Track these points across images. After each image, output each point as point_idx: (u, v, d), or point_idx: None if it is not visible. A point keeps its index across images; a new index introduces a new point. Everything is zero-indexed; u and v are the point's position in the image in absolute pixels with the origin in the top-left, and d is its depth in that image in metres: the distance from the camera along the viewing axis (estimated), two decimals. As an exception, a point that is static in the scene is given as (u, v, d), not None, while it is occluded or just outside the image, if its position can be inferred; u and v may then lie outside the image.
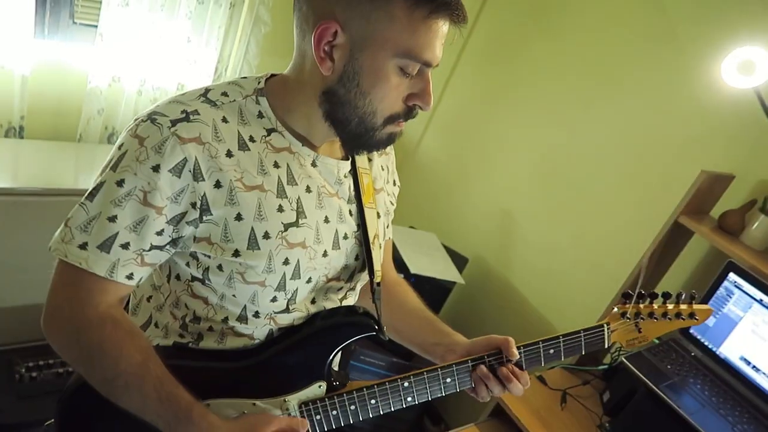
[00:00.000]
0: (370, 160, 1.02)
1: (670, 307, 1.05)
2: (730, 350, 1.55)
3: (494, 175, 2.43)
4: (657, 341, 1.64)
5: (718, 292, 1.57)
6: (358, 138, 0.86)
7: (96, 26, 1.93)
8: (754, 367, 1.51)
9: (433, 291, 2.11)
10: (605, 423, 1.68)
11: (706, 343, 1.60)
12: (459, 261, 2.32)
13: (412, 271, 2.08)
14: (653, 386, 1.45)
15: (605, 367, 1.84)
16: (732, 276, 1.55)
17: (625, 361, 1.53)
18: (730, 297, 1.55)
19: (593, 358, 1.88)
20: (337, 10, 0.78)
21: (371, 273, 0.99)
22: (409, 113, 0.85)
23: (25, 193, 1.77)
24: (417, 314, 1.12)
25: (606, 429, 1.64)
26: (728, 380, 1.55)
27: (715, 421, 1.42)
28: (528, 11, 2.32)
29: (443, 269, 2.22)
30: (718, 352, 1.58)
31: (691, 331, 1.63)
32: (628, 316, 1.03)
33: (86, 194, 0.81)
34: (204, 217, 0.82)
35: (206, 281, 0.88)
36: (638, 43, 1.94)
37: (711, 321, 1.59)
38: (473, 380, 0.99)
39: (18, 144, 1.98)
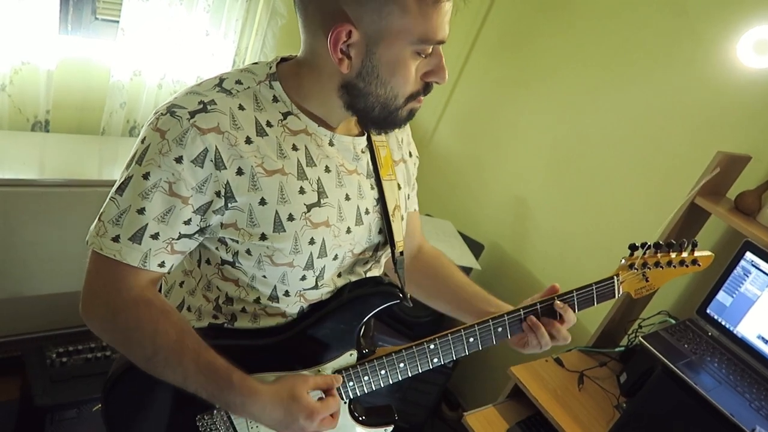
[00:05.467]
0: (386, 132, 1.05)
1: (674, 255, 1.09)
2: (747, 329, 1.57)
3: (508, 163, 2.45)
4: (673, 321, 1.65)
5: (734, 271, 1.58)
6: (381, 121, 0.89)
7: (117, 21, 1.97)
8: (771, 345, 1.52)
9: (450, 277, 2.13)
10: (622, 403, 1.70)
11: (723, 323, 1.61)
12: (475, 248, 2.35)
13: (430, 257, 2.10)
14: (670, 364, 1.47)
15: (622, 348, 1.86)
16: (749, 255, 1.56)
17: (642, 340, 1.55)
18: (747, 276, 1.56)
19: (610, 340, 1.90)
20: (347, 9, 0.80)
21: (392, 244, 1.02)
22: (427, 89, 0.88)
23: (51, 185, 1.82)
24: (468, 286, 1.16)
25: (623, 409, 1.66)
26: (745, 358, 1.56)
27: (733, 398, 1.43)
28: (537, 3, 2.33)
29: (460, 256, 2.25)
30: (735, 331, 1.59)
31: (708, 311, 1.64)
32: (635, 267, 1.07)
33: (116, 188, 0.84)
34: (229, 205, 0.84)
35: (236, 264, 0.91)
36: (651, 26, 1.95)
37: (728, 300, 1.60)
38: (496, 337, 1.03)
39: (44, 137, 2.03)
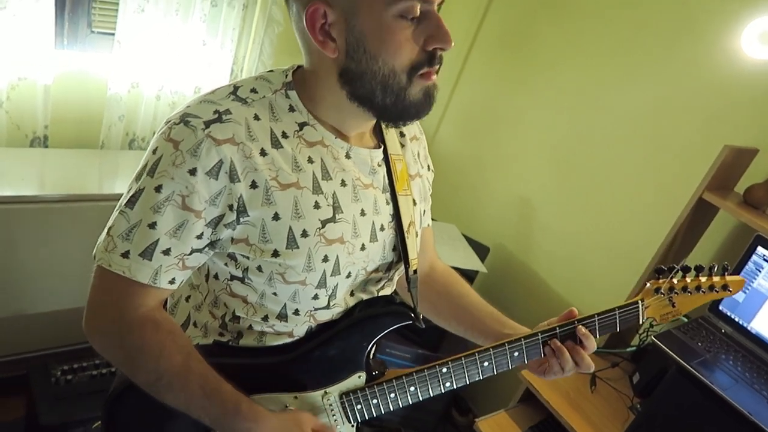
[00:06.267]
0: (402, 146, 1.01)
1: (703, 279, 1.04)
2: (761, 325, 1.54)
3: (511, 164, 2.43)
4: (686, 319, 1.62)
5: (746, 266, 1.55)
6: (393, 108, 0.82)
7: (113, 34, 1.96)
8: (787, 341, 1.49)
9: (456, 280, 2.11)
10: (636, 404, 1.67)
11: (736, 319, 1.59)
12: (480, 250, 2.32)
13: (435, 261, 2.08)
14: (685, 363, 1.44)
15: (633, 348, 1.83)
16: (761, 250, 1.53)
17: (655, 340, 1.52)
18: (760, 271, 1.53)
19: (621, 340, 1.87)
20: None
21: (406, 262, 0.98)
22: (432, 59, 0.80)
23: (52, 200, 1.81)
24: (482, 306, 1.11)
25: (638, 410, 1.64)
26: (761, 355, 1.53)
27: (750, 396, 1.40)
28: (539, -3, 2.31)
29: (465, 259, 2.23)
30: (749, 328, 1.56)
31: (721, 307, 1.62)
32: (662, 291, 1.02)
33: (126, 201, 0.80)
34: (241, 219, 0.81)
35: (246, 280, 0.88)
36: (653, 20, 1.93)
37: (741, 297, 1.57)
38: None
39: (43, 153, 2.02)
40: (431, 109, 0.85)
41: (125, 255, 0.79)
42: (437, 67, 0.82)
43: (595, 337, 1.01)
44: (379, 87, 0.80)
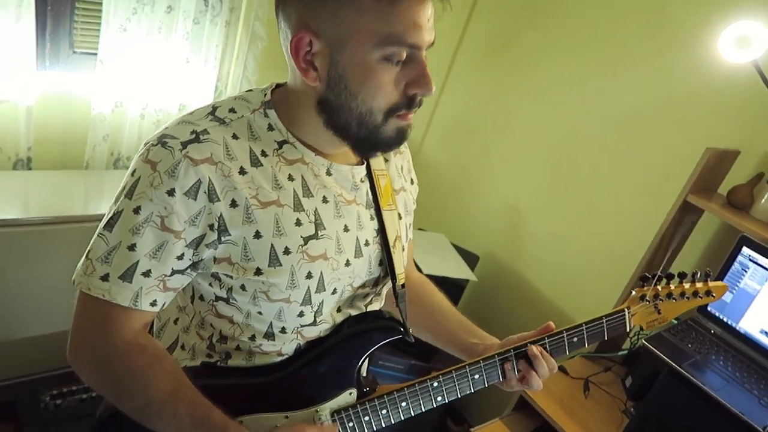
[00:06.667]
0: (386, 160, 1.01)
1: (687, 286, 1.06)
2: (750, 324, 1.55)
3: (498, 172, 2.44)
4: (675, 321, 1.64)
5: (733, 267, 1.57)
6: (365, 141, 0.83)
7: (96, 54, 1.96)
8: (775, 339, 1.51)
9: (447, 290, 2.07)
10: (630, 408, 1.68)
11: (725, 320, 1.60)
12: (470, 259, 2.33)
13: (425, 272, 2.08)
14: (676, 366, 1.45)
15: (625, 352, 1.84)
16: (746, 250, 1.55)
17: (646, 343, 1.53)
18: (746, 271, 1.55)
19: (613, 344, 1.88)
20: (307, 19, 0.76)
21: (393, 276, 0.98)
22: (411, 103, 0.81)
23: (36, 223, 1.79)
24: (452, 315, 1.12)
25: (631, 413, 1.64)
26: (750, 354, 1.55)
27: (741, 396, 1.41)
28: (518, 7, 2.34)
29: (455, 268, 2.23)
30: (738, 328, 1.58)
31: (710, 308, 1.63)
32: (647, 298, 1.04)
33: (104, 224, 0.80)
34: (222, 238, 0.81)
35: (230, 300, 0.87)
36: (634, 28, 1.96)
37: (728, 297, 1.59)
38: (504, 372, 1.00)
39: (27, 175, 2.00)
40: (402, 144, 0.87)
41: (104, 278, 0.79)
42: (416, 109, 0.82)
43: (585, 344, 1.01)
44: (354, 122, 0.81)
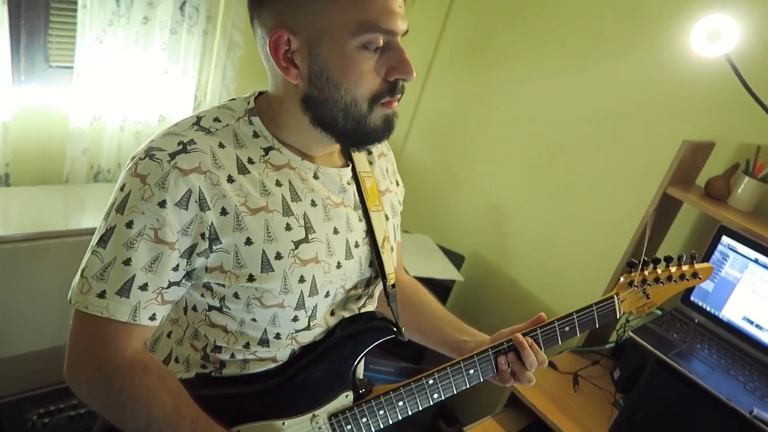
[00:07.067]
0: (371, 163, 1.02)
1: (673, 269, 1.08)
2: (732, 312, 1.58)
3: (481, 172, 2.46)
4: (660, 312, 1.66)
5: (713, 256, 1.60)
6: (353, 133, 0.84)
7: (72, 67, 1.94)
8: (757, 325, 1.54)
9: (434, 291, 2.08)
10: (619, 399, 1.70)
11: (707, 309, 1.63)
12: (456, 259, 2.34)
13: (412, 274, 2.08)
14: (663, 356, 1.47)
15: (612, 345, 1.86)
16: (725, 239, 1.58)
17: (632, 335, 1.55)
18: (726, 260, 1.58)
19: (600, 338, 1.90)
20: (283, 18, 0.78)
21: (383, 276, 0.99)
22: (393, 89, 0.82)
23: (17, 240, 1.76)
24: (441, 314, 1.14)
25: (621, 405, 1.66)
26: (734, 341, 1.58)
27: (727, 382, 1.44)
28: (495, 6, 2.36)
29: (441, 269, 2.24)
30: (720, 316, 1.60)
31: (692, 298, 1.66)
32: (635, 284, 1.05)
33: (97, 240, 0.80)
34: (214, 247, 0.81)
35: (224, 309, 0.87)
36: (607, 25, 1.99)
37: (710, 286, 1.62)
38: (497, 365, 1.00)
39: (5, 192, 1.97)
40: (391, 134, 0.87)
41: (101, 295, 0.78)
42: (399, 96, 0.84)
43: (577, 333, 1.03)
44: (340, 114, 0.82)
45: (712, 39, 1.43)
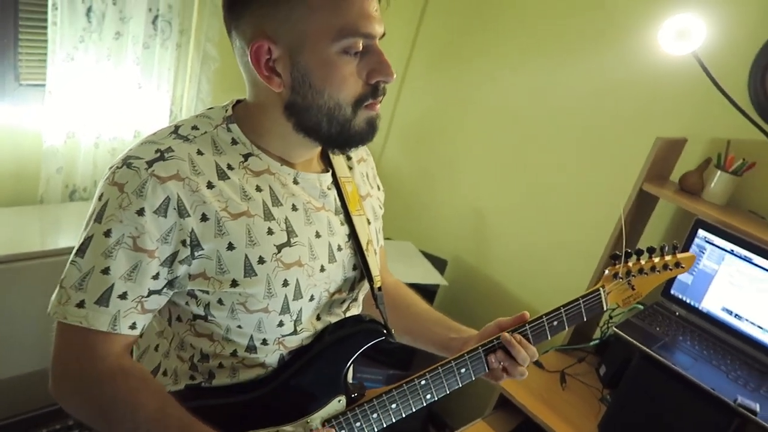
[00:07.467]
0: (350, 168, 1.03)
1: (657, 260, 1.09)
2: (711, 303, 1.62)
3: (459, 175, 2.48)
4: (642, 307, 1.69)
5: (690, 249, 1.63)
6: (338, 137, 0.85)
7: (44, 85, 1.91)
8: (736, 315, 1.57)
9: (419, 296, 2.13)
10: (606, 395, 1.71)
11: (688, 301, 1.66)
12: (438, 264, 2.35)
13: (396, 279, 2.09)
14: (647, 349, 1.49)
15: (597, 341, 1.88)
16: (701, 232, 1.61)
17: (616, 330, 1.57)
18: (703, 252, 1.61)
19: (584, 335, 1.92)
20: (263, 27, 0.78)
21: (370, 279, 0.99)
22: (375, 91, 0.83)
23: (-7, 263, 1.73)
24: (428, 314, 1.14)
25: (608, 401, 1.68)
26: (715, 332, 1.61)
27: (710, 372, 1.46)
28: (467, 9, 2.39)
29: (424, 274, 2.25)
30: (700, 308, 1.64)
31: (673, 291, 1.69)
32: (620, 276, 1.07)
33: (75, 251, 0.79)
34: (196, 253, 0.81)
35: (209, 317, 0.87)
36: (578, 25, 2.03)
37: (689, 279, 1.65)
38: (488, 363, 1.01)
39: (-21, 214, 1.93)
40: (375, 136, 0.89)
41: (80, 305, 0.78)
42: (381, 98, 0.85)
43: (565, 327, 1.04)
44: (325, 119, 0.83)
45: (680, 37, 1.47)
